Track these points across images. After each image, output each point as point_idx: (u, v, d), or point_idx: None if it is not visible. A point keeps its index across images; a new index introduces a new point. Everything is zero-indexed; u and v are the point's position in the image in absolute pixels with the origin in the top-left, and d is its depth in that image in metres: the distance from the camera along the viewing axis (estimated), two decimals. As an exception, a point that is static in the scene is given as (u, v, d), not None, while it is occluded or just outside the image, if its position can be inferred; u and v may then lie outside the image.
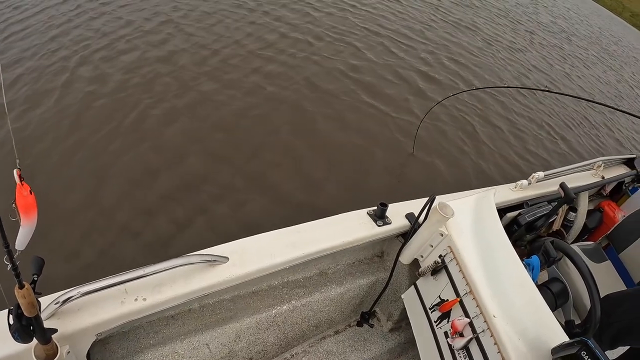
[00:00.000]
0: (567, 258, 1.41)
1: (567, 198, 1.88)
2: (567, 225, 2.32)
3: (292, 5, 5.89)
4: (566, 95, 5.35)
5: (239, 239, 1.24)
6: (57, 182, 2.60)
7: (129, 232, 2.42)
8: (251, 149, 3.21)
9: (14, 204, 0.78)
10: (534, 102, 5.79)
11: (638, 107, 8.79)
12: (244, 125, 3.42)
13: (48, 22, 4.12)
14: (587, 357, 0.92)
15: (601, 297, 1.61)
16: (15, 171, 0.77)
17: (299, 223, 1.38)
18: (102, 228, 2.41)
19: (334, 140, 3.58)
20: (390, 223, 1.46)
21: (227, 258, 1.14)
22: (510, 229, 1.98)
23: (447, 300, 1.25)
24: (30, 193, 0.79)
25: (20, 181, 0.78)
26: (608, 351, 1.61)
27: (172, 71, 3.81)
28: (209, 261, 1.10)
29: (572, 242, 2.35)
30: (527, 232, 2.04)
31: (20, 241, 0.81)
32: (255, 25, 5.02)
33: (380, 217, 1.46)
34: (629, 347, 1.59)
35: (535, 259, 1.43)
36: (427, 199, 1.33)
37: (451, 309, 1.24)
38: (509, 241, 1.32)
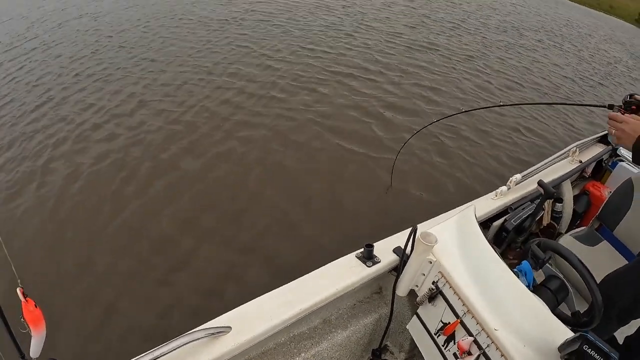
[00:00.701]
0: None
1: (547, 194, 1.91)
2: (556, 217, 2.34)
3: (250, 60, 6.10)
4: (522, 104, 5.42)
5: (236, 307, 1.26)
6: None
7: (122, 312, 2.45)
8: (232, 210, 3.28)
9: (22, 318, 0.85)
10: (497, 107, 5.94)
11: (597, 80, 9.10)
12: (219, 182, 3.53)
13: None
14: (589, 350, 0.95)
15: (601, 279, 1.63)
16: (18, 290, 0.84)
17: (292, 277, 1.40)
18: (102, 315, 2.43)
19: (312, 186, 3.63)
20: (379, 262, 1.48)
21: (229, 327, 1.17)
22: (500, 236, 2.02)
23: (449, 323, 1.28)
24: (36, 307, 0.87)
25: (25, 298, 0.85)
26: (624, 327, 1.62)
27: (140, 143, 3.96)
28: (213, 334, 1.12)
29: (566, 232, 2.37)
30: (518, 234, 2.07)
31: (34, 350, 0.89)
32: (217, 87, 5.20)
33: (368, 257, 1.47)
34: None
35: (525, 264, 1.46)
36: (410, 230, 1.38)
37: (455, 331, 1.26)
38: (496, 254, 1.35)
